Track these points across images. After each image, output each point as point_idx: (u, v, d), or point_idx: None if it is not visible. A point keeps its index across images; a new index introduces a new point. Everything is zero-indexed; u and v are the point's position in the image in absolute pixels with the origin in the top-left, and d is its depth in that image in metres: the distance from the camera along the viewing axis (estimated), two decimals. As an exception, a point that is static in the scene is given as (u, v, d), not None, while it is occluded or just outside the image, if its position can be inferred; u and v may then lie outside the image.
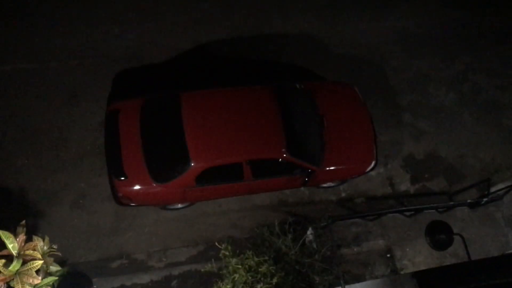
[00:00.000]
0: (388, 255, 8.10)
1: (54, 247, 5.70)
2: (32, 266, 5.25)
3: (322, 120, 7.66)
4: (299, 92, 7.80)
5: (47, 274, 5.62)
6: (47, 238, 5.71)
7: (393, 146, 8.80)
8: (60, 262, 5.90)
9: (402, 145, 8.83)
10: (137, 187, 7.07)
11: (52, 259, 5.72)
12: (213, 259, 6.49)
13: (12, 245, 5.26)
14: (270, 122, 7.19)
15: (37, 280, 5.25)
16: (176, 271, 7.49)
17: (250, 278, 6.07)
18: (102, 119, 7.92)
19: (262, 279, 6.11)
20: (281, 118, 7.26)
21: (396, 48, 9.36)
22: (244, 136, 7.04)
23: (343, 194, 8.42)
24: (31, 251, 5.32)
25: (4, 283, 5.20)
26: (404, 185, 8.62)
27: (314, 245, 7.16)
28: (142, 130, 7.19)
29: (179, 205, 7.78)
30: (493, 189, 8.36)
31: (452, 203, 8.23)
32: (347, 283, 6.66)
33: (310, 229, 7.45)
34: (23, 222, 5.55)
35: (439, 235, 7.12)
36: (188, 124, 6.99)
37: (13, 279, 5.21)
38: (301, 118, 7.54)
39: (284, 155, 7.12)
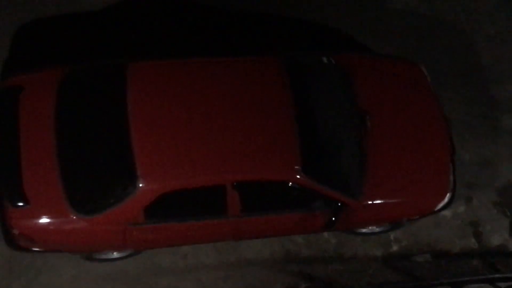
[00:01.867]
0: None
1: None
2: None
3: (364, 119, 7.52)
4: (328, 70, 7.69)
5: None
6: None
7: (482, 169, 8.70)
8: None
9: (498, 168, 8.76)
10: (45, 220, 6.89)
11: None
12: None
13: None
14: (275, 119, 7.09)
15: None
16: None
17: None
18: (-8, 101, 7.51)
19: None
20: (294, 113, 7.14)
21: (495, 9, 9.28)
22: (230, 140, 6.92)
23: (395, 247, 8.30)
24: None
25: None
26: (499, 236, 8.50)
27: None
28: (59, 123, 7.04)
29: (115, 254, 7.60)
30: None
31: None
32: None
33: (336, 303, 7.23)
34: None
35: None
36: (136, 116, 6.87)
37: None
38: (328, 114, 7.42)
39: (297, 176, 6.93)
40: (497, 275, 7.93)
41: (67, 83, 7.20)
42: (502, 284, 7.87)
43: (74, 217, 6.82)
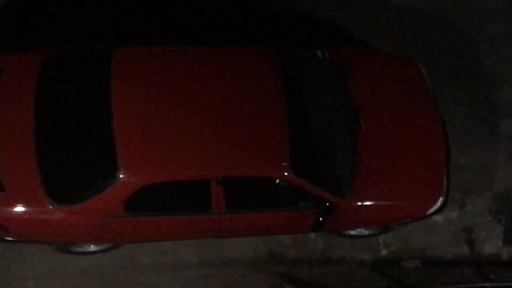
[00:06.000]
0: None
1: None
2: None
3: (357, 117, 7.53)
4: (322, 65, 7.69)
5: None
6: None
7: (478, 174, 8.70)
8: None
9: (494, 173, 8.74)
10: (19, 208, 6.86)
11: None
12: None
13: None
14: (265, 113, 7.08)
15: None
16: None
17: None
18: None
19: None
20: (285, 108, 7.14)
21: (499, 10, 9.22)
22: (216, 133, 6.92)
23: (384, 252, 8.30)
24: None
25: None
26: (492, 244, 8.52)
27: None
28: (39, 108, 7.01)
29: (92, 247, 7.62)
30: None
31: None
32: None
33: (321, 308, 7.20)
34: None
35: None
36: (120, 105, 6.86)
37: None
38: (320, 110, 7.42)
39: (285, 173, 6.93)
40: (488, 284, 7.92)
41: (49, 67, 7.17)
42: (493, 293, 7.91)
43: (51, 207, 6.79)
